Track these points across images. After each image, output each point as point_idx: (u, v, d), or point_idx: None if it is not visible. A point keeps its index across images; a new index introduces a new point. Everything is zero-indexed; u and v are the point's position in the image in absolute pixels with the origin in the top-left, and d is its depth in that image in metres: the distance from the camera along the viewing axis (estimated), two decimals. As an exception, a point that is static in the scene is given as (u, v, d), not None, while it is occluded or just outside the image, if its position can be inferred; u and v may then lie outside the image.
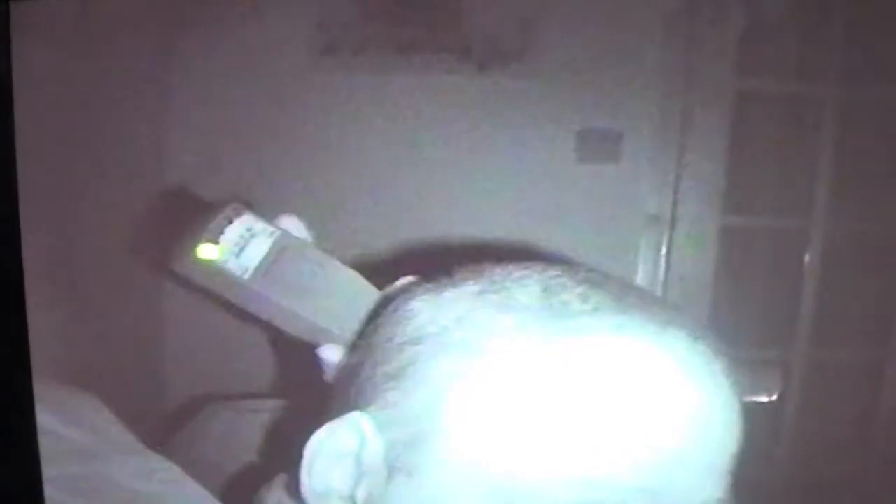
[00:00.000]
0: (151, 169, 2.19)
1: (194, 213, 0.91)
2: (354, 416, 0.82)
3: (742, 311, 2.62)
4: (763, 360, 2.60)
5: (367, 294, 0.93)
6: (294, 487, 0.83)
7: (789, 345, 2.65)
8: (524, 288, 0.81)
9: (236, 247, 0.89)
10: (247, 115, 2.28)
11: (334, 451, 0.82)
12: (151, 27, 2.11)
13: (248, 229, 0.90)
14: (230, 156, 2.26)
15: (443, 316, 0.81)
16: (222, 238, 0.89)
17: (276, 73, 2.32)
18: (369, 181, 2.37)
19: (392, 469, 0.80)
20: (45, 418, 0.83)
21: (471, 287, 0.83)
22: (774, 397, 2.48)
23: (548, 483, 0.75)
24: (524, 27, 2.41)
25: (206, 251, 0.88)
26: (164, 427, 1.15)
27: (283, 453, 0.87)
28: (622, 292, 0.82)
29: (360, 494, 0.81)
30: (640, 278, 2.51)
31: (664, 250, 2.55)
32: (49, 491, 0.78)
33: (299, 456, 0.82)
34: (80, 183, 1.62)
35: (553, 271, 0.83)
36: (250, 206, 0.93)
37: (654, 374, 0.77)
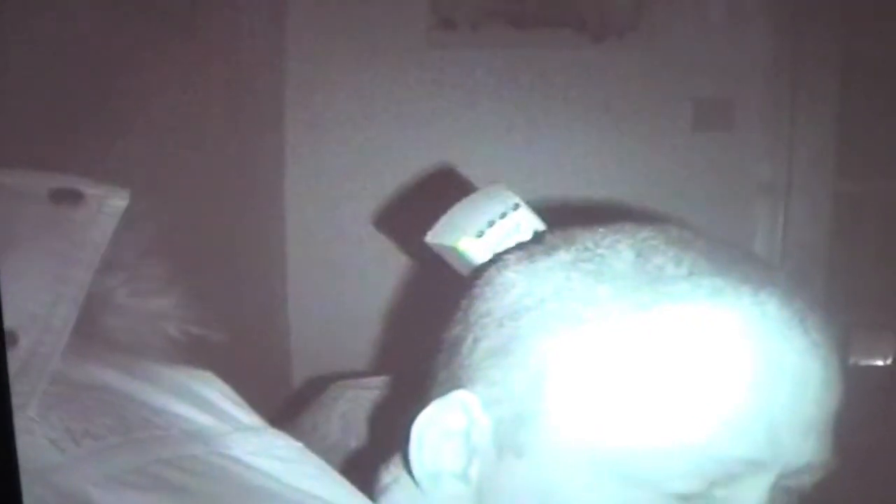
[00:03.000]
0: (271, 147, 2.19)
1: (462, 191, 0.88)
2: (460, 395, 0.79)
3: (857, 276, 2.54)
4: (878, 323, 2.51)
5: None
6: (409, 466, 0.81)
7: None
8: (617, 254, 0.78)
9: (498, 242, 0.85)
10: (362, 89, 2.26)
11: (441, 430, 0.79)
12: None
13: (517, 225, 0.86)
14: (345, 129, 2.25)
15: (539, 288, 0.78)
16: (489, 231, 0.85)
17: (392, 48, 2.29)
18: (483, 153, 2.34)
19: (501, 448, 0.78)
20: (160, 398, 0.81)
21: (563, 255, 0.79)
22: (889, 361, 2.42)
23: (657, 458, 0.73)
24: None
25: (467, 244, 0.85)
26: (291, 406, 1.12)
27: (399, 431, 0.83)
28: (714, 251, 0.79)
29: (474, 473, 0.79)
30: (758, 246, 2.44)
31: (781, 218, 2.49)
32: (167, 472, 0.74)
33: (407, 435, 0.80)
34: (195, 156, 1.60)
35: (644, 233, 0.80)
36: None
37: (750, 339, 0.74)
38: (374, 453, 0.92)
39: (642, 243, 0.78)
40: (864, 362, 2.40)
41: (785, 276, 0.79)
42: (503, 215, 0.85)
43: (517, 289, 0.79)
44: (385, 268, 2.03)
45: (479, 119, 2.32)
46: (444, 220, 0.87)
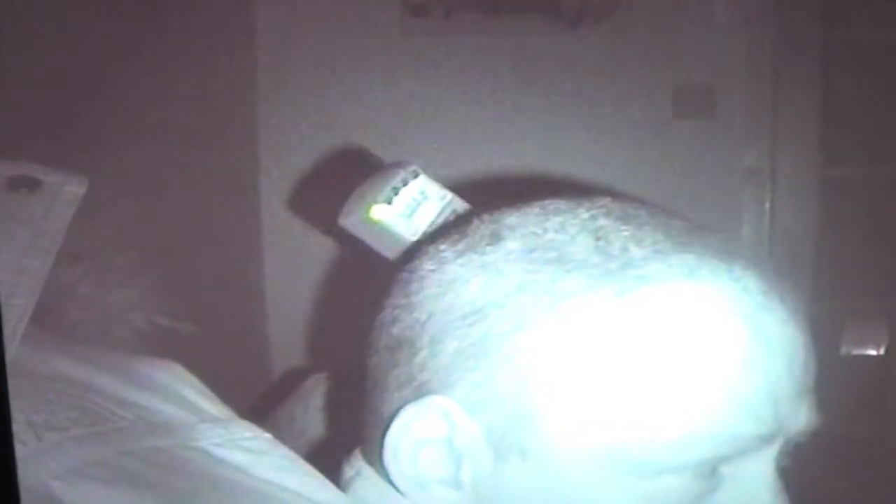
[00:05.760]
0: (244, 132, 2.18)
1: (365, 171, 0.90)
2: (437, 402, 0.77)
3: (846, 263, 2.54)
4: (869, 311, 2.51)
5: None
6: (373, 460, 0.81)
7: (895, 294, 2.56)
8: (572, 239, 0.76)
9: (408, 209, 0.87)
10: (336, 78, 2.26)
11: (418, 438, 0.77)
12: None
13: (422, 192, 0.88)
14: (320, 118, 2.24)
15: (499, 282, 0.75)
16: (396, 199, 0.87)
17: (366, 36, 2.28)
18: (459, 142, 2.33)
19: (500, 451, 0.75)
20: (125, 390, 0.80)
21: (511, 244, 0.77)
22: (882, 351, 2.42)
23: (671, 446, 0.73)
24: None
25: (379, 211, 0.87)
26: (269, 398, 1.11)
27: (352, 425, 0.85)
28: (665, 224, 0.78)
29: (466, 478, 0.77)
30: (745, 233, 2.44)
31: (767, 204, 2.49)
32: (132, 465, 0.73)
33: (374, 435, 0.79)
34: (163, 148, 1.59)
35: (583, 212, 0.78)
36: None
37: (738, 316, 0.74)
38: (339, 444, 0.91)
39: (593, 223, 0.77)
40: (856, 352, 2.40)
41: (741, 242, 0.79)
42: (405, 182, 0.87)
43: (474, 284, 0.76)
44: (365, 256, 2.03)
45: (453, 107, 2.32)
46: (350, 199, 0.89)
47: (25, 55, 1.15)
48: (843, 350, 2.38)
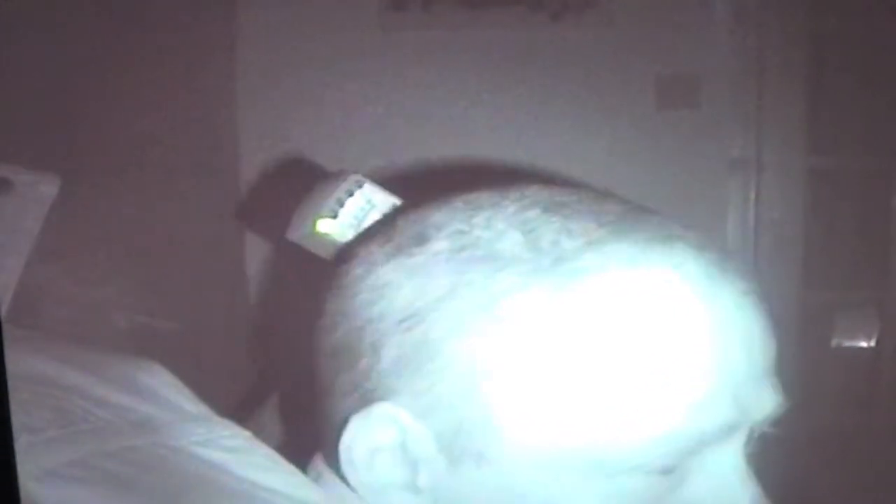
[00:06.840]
0: (225, 131, 2.18)
1: (311, 181, 0.89)
2: (384, 409, 0.75)
3: (834, 253, 2.54)
4: (859, 302, 2.51)
5: None
6: (332, 463, 0.80)
7: (884, 285, 2.56)
8: (500, 235, 0.74)
9: (355, 219, 0.86)
10: (315, 73, 2.25)
11: (370, 446, 0.76)
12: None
13: (369, 201, 0.87)
14: (299, 114, 2.24)
15: (429, 286, 0.74)
16: (342, 211, 0.86)
17: (345, 30, 2.28)
18: (440, 137, 2.33)
19: (452, 457, 0.74)
20: (103, 389, 0.80)
21: (438, 244, 0.75)
22: (873, 342, 2.42)
23: (629, 445, 0.71)
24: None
25: (325, 225, 0.85)
26: (249, 397, 1.11)
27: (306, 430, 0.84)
28: (597, 212, 0.76)
29: (423, 483, 0.76)
30: (731, 223, 2.44)
31: (753, 195, 2.49)
32: (110, 465, 0.73)
33: (329, 439, 0.78)
34: (144, 147, 1.59)
35: (509, 205, 0.76)
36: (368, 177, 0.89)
37: (686, 300, 0.72)
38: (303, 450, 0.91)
39: (520, 216, 0.75)
40: (847, 344, 2.40)
41: (674, 220, 0.77)
42: (350, 193, 0.86)
43: (405, 289, 0.75)
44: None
45: (435, 101, 2.32)
46: (296, 214, 0.88)
47: (7, 56, 1.15)
48: (834, 342, 2.38)
